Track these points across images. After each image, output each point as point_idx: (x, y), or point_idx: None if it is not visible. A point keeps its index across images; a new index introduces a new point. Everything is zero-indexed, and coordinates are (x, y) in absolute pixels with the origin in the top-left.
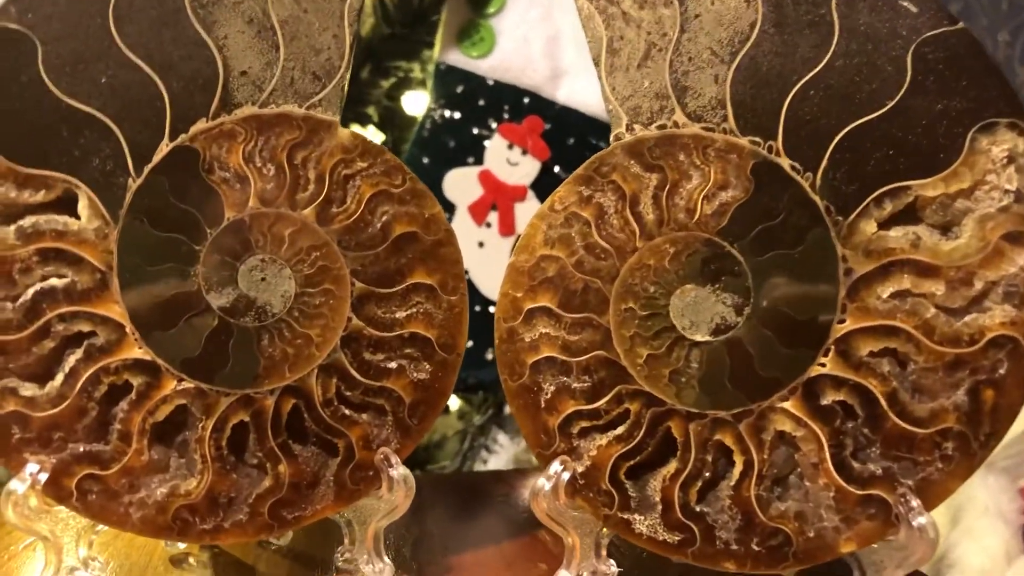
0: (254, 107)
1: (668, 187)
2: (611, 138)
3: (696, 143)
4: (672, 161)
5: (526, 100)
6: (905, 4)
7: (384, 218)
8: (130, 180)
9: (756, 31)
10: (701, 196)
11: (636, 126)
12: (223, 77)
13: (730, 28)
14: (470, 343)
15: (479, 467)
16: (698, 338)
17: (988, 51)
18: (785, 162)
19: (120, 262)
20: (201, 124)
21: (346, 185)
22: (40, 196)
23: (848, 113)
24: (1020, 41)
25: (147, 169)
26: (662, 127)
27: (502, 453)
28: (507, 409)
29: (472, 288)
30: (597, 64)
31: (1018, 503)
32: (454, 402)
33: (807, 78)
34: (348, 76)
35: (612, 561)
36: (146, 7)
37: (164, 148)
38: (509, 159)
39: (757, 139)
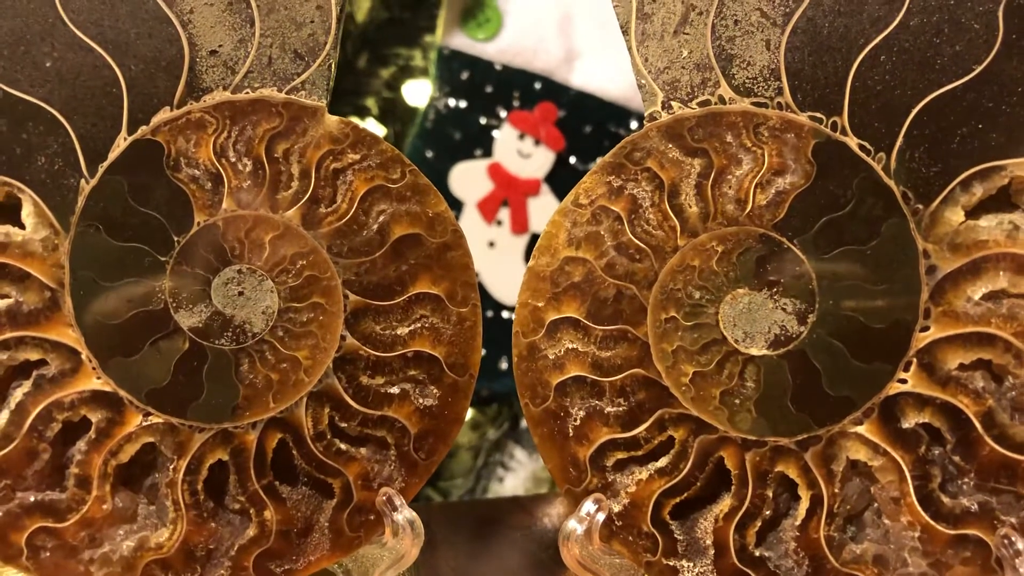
0: (226, 92)
1: (714, 174)
2: (645, 118)
3: (746, 121)
4: (718, 143)
5: (538, 85)
6: None
7: (381, 218)
8: (82, 181)
9: None
10: (754, 184)
11: (674, 103)
12: (189, 58)
13: None
14: (483, 352)
15: (495, 486)
16: (754, 352)
17: None
18: (853, 141)
19: (73, 278)
20: (164, 114)
21: (336, 181)
22: None
23: (927, 81)
24: None
25: (102, 168)
26: (705, 103)
27: (520, 470)
28: (524, 422)
29: (483, 292)
30: (626, 33)
31: None
32: (467, 412)
33: (876, 41)
34: (336, 54)
35: None
36: None
37: (122, 143)
38: (520, 150)
39: (819, 115)
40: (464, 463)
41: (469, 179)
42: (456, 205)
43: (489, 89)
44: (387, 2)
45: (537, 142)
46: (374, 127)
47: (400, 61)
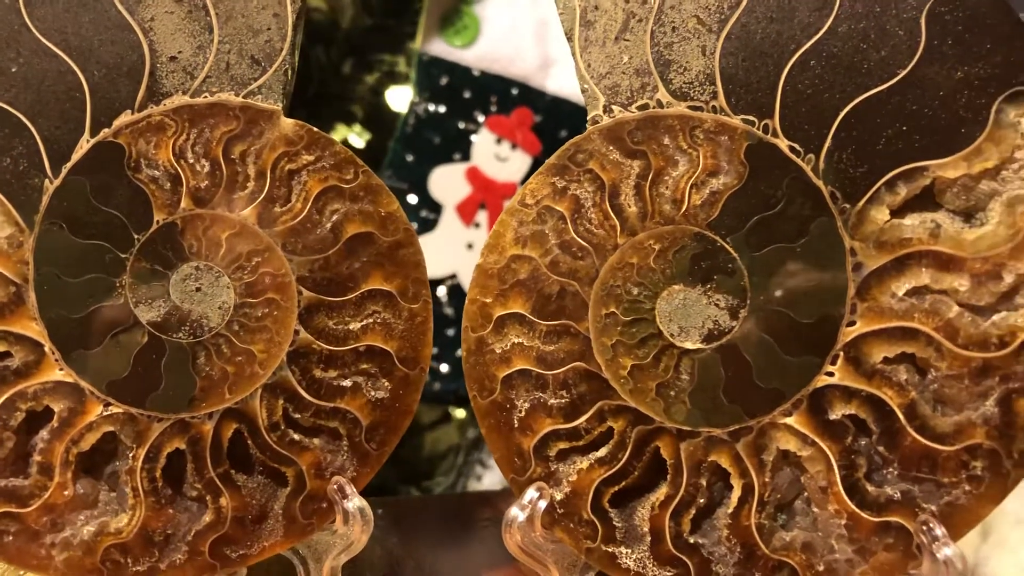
0: (185, 96)
1: (652, 175)
2: (587, 122)
3: (682, 124)
4: (656, 146)
5: (515, 91)
6: None
7: (334, 217)
8: (46, 181)
9: None
10: (689, 184)
11: (615, 107)
12: (150, 63)
13: None
14: (459, 352)
15: (473, 484)
16: (688, 346)
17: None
18: (783, 143)
19: (37, 273)
20: (126, 117)
21: (291, 181)
22: None
23: (854, 85)
24: None
25: (65, 169)
26: (644, 107)
27: (497, 468)
28: None
29: (461, 292)
30: (570, 39)
31: None
32: (459, 412)
33: (807, 46)
34: (294, 60)
35: None
36: None
37: (84, 145)
38: (498, 154)
39: (751, 118)
40: (447, 462)
41: (448, 182)
42: (435, 208)
43: (467, 94)
44: (371, 9)
45: (514, 146)
46: (360, 132)
47: (384, 67)
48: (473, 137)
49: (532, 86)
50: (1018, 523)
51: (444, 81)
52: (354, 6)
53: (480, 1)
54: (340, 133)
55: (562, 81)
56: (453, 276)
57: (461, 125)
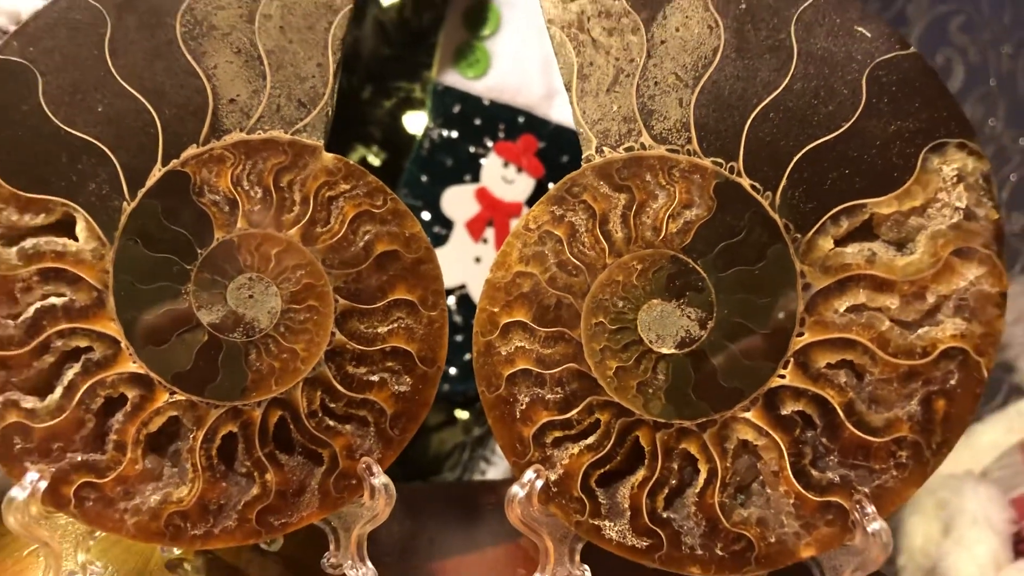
0: (242, 133)
1: (635, 206)
2: (582, 160)
3: (662, 164)
4: (639, 181)
5: (521, 119)
6: (860, 29)
7: (366, 237)
8: (125, 203)
9: (719, 56)
10: (667, 215)
11: (605, 148)
12: (212, 105)
13: (694, 54)
14: (468, 356)
15: (477, 478)
16: (664, 351)
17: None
18: (746, 182)
19: (115, 281)
20: (192, 150)
21: (330, 206)
22: (40, 219)
23: (806, 134)
24: None
25: (141, 193)
26: (630, 149)
27: (500, 463)
28: None
29: (469, 302)
30: (568, 89)
31: (1008, 513)
32: (462, 414)
33: (767, 101)
34: (332, 103)
35: (585, 566)
36: (139, 39)
37: (157, 173)
38: (505, 177)
39: (719, 160)
40: (453, 459)
41: (459, 201)
42: (447, 224)
43: (478, 122)
44: (390, 40)
45: (519, 169)
46: (377, 152)
47: (401, 93)
48: (482, 160)
49: (537, 115)
50: (974, 522)
51: (457, 109)
52: (375, 37)
53: (491, 37)
54: (359, 153)
55: (564, 111)
56: (462, 287)
57: (472, 149)
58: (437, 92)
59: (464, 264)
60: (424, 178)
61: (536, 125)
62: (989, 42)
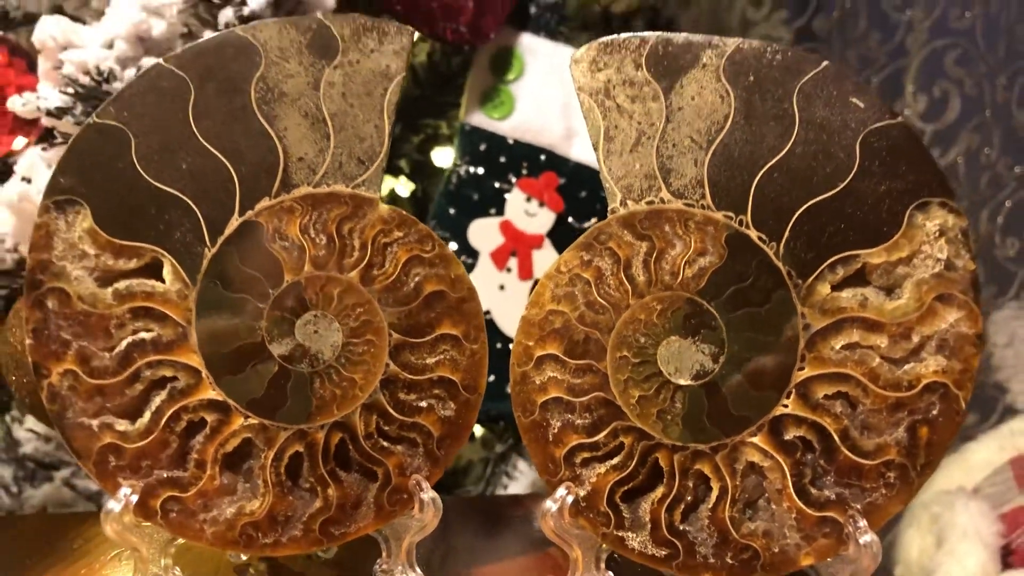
0: (309, 187)
1: (656, 253)
2: (608, 211)
3: (679, 216)
4: (659, 231)
5: (543, 157)
6: (855, 100)
7: (417, 279)
8: (206, 249)
9: (729, 122)
10: (683, 261)
11: (629, 202)
12: (283, 162)
13: (707, 119)
14: (492, 377)
15: (500, 492)
16: (681, 382)
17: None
18: (753, 233)
19: (197, 318)
20: (265, 202)
21: (385, 251)
22: (132, 264)
23: (806, 192)
24: (1018, 85)
25: (220, 240)
26: (650, 203)
27: (521, 479)
28: None
29: (494, 327)
30: (596, 149)
31: (997, 527)
32: (478, 430)
33: (772, 162)
34: (386, 160)
35: (610, 572)
36: (219, 105)
37: (234, 222)
38: (527, 211)
39: (730, 213)
40: (476, 471)
41: (484, 233)
42: (473, 254)
43: (502, 159)
44: (420, 82)
45: (541, 204)
46: (405, 183)
47: (429, 130)
48: (506, 195)
49: (558, 154)
50: (965, 536)
51: (483, 147)
52: (405, 79)
53: (515, 82)
54: (388, 184)
55: (583, 151)
56: (487, 312)
57: (496, 185)
58: (465, 132)
59: (489, 292)
60: (452, 211)
61: (557, 163)
62: (984, 74)
